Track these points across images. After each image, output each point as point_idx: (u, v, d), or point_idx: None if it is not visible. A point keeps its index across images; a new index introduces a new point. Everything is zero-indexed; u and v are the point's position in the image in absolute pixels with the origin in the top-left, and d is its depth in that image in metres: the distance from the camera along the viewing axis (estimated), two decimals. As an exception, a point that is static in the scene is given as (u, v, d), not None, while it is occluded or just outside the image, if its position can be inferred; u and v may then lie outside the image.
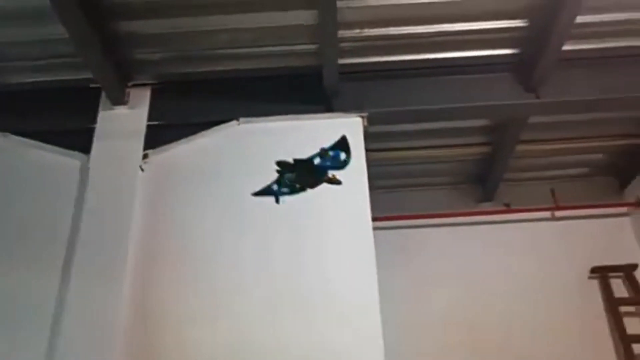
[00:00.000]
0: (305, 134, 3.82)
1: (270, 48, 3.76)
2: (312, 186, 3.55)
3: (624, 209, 5.24)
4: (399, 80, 3.94)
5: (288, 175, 3.55)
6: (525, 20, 3.64)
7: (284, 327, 3.20)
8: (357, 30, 3.64)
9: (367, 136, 4.00)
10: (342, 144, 3.68)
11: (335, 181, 3.57)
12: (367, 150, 4.14)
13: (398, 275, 4.86)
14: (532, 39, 3.72)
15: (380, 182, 5.16)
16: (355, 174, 3.70)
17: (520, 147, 4.79)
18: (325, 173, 3.58)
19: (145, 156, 3.70)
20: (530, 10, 3.57)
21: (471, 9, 3.53)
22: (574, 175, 5.40)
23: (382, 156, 4.82)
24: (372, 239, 3.48)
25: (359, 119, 3.86)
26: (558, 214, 5.23)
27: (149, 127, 3.82)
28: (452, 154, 4.94)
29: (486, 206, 5.31)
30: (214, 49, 3.73)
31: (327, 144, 3.78)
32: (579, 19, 3.53)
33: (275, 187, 3.56)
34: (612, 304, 4.80)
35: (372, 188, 4.43)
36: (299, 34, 3.65)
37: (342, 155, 3.63)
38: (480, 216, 5.20)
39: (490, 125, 4.59)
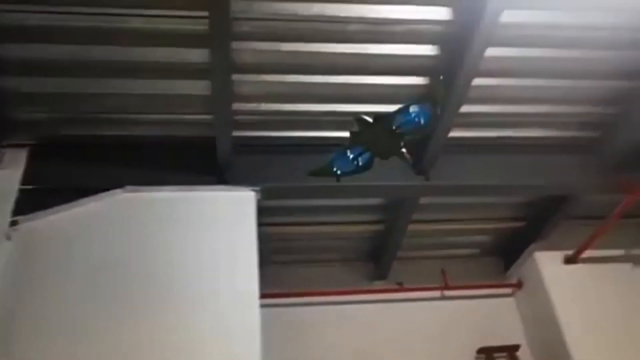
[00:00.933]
0: (196, 207, 3.69)
1: (161, 116, 3.66)
2: (386, 157, 2.57)
3: (508, 290, 5.44)
4: (294, 155, 3.92)
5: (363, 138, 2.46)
6: (415, 105, 3.79)
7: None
8: (254, 104, 3.63)
9: (262, 210, 3.94)
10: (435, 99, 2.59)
11: (405, 158, 2.56)
12: (262, 224, 4.09)
13: (287, 354, 4.67)
14: (422, 124, 3.88)
15: (274, 257, 5.05)
16: (244, 249, 3.59)
17: (413, 227, 4.89)
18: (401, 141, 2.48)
19: (13, 223, 3.36)
20: (420, 99, 3.72)
21: (366, 93, 3.64)
22: (463, 256, 5.56)
23: (277, 231, 4.75)
24: (258, 316, 3.36)
25: (252, 193, 3.78)
26: (447, 293, 5.33)
27: (22, 191, 3.50)
28: (346, 231, 4.95)
29: (380, 284, 5.31)
30: (100, 112, 3.58)
31: (219, 217, 3.67)
32: (464, 109, 3.73)
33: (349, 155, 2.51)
34: (497, 385, 4.87)
35: (266, 263, 4.34)
36: (192, 104, 3.57)
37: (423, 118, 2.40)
38: (373, 294, 5.19)
39: (383, 204, 4.67)
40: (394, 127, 2.30)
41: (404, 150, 2.45)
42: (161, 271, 3.43)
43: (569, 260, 5.00)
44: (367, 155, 2.44)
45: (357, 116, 2.38)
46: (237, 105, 3.56)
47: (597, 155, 4.27)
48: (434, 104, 2.37)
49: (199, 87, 3.42)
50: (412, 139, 2.44)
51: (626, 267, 5.10)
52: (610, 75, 3.78)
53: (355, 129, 2.40)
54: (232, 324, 3.33)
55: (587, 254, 4.94)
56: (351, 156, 2.46)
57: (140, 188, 3.66)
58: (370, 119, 2.35)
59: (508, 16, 3.18)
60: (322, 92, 3.60)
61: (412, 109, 2.29)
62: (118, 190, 3.62)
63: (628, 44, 3.56)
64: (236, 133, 3.72)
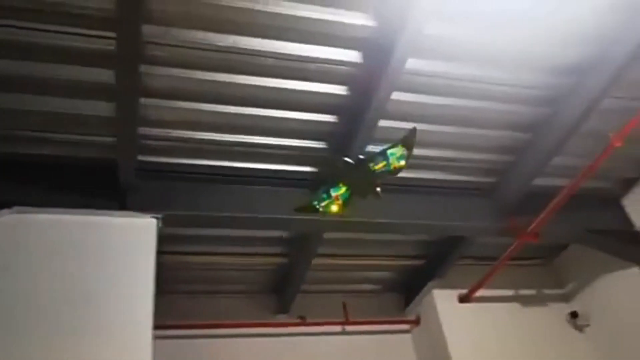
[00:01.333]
0: (93, 232, 3.52)
1: (64, 135, 3.49)
2: (363, 195, 2.84)
3: (406, 326, 5.58)
4: (200, 184, 3.88)
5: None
6: (324, 142, 3.88)
7: None
8: (162, 130, 3.55)
9: (164, 238, 3.84)
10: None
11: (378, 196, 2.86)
12: (162, 252, 3.96)
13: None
14: (329, 165, 3.95)
15: (175, 286, 4.92)
16: (142, 278, 3.46)
17: (317, 261, 4.94)
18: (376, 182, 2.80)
19: None
20: (329, 135, 3.81)
21: (277, 126, 3.67)
22: (364, 291, 5.67)
23: (179, 260, 4.63)
24: (150, 348, 3.23)
25: (153, 220, 3.67)
26: (348, 328, 5.39)
27: None
28: (250, 262, 4.91)
29: (282, 318, 5.28)
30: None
31: (118, 244, 3.53)
32: (370, 148, 3.84)
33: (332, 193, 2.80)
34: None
35: (165, 292, 4.21)
36: (97, 125, 3.44)
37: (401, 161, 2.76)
38: (275, 328, 5.15)
39: (287, 237, 4.69)
40: (372, 169, 2.58)
41: (378, 189, 2.76)
42: (52, 299, 3.23)
43: (462, 299, 5.23)
44: (346, 194, 2.72)
45: (341, 158, 2.67)
46: (143, 130, 3.47)
47: (492, 199, 4.54)
48: (408, 149, 2.65)
49: (105, 109, 3.30)
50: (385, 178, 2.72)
51: (515, 306, 5.39)
52: (507, 127, 4.05)
53: (335, 168, 2.70)
54: (125, 355, 3.19)
55: (479, 293, 5.18)
56: (333, 195, 2.71)
57: (31, 209, 3.45)
58: (352, 161, 2.64)
59: (413, 64, 3.34)
60: (233, 123, 3.58)
61: (389, 152, 2.59)
62: (5, 211, 3.39)
63: (523, 99, 3.83)
64: (141, 157, 3.62)
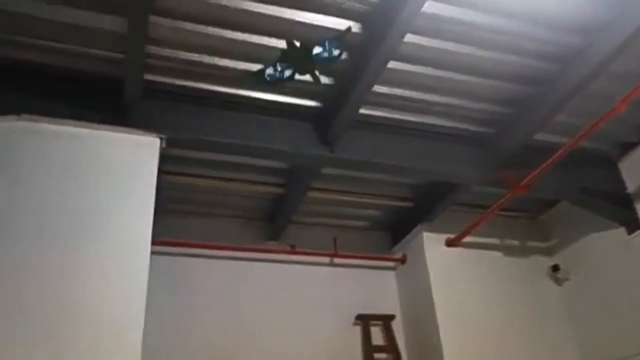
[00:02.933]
0: (98, 146, 3.60)
1: (71, 46, 3.47)
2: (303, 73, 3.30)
3: (392, 264, 5.77)
4: (204, 108, 3.91)
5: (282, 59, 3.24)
6: (331, 78, 3.88)
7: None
8: (170, 50, 3.54)
9: (165, 158, 3.92)
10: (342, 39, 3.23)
11: (316, 78, 3.34)
12: (163, 172, 4.06)
13: (172, 302, 4.72)
14: (334, 97, 3.98)
15: (173, 205, 5.03)
16: (142, 195, 3.57)
17: (311, 194, 5.05)
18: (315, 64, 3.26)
19: None
20: (335, 72, 3.81)
21: (283, 57, 3.65)
22: (355, 227, 5.81)
23: (179, 180, 4.70)
24: (147, 262, 3.38)
25: (157, 139, 3.73)
26: (336, 260, 5.56)
27: None
28: (247, 189, 5.00)
29: (273, 245, 5.44)
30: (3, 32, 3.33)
31: (121, 160, 3.61)
32: (376, 88, 3.87)
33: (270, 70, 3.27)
34: (368, 351, 5.19)
35: (163, 211, 4.32)
36: (105, 39, 3.42)
37: (336, 51, 3.19)
38: (264, 254, 5.31)
39: (285, 168, 4.77)
40: (313, 53, 3.09)
41: (317, 72, 3.27)
42: (51, 210, 3.33)
43: (450, 243, 5.38)
44: (290, 70, 3.19)
45: (289, 40, 3.11)
46: (152, 49, 3.46)
47: (489, 150, 4.59)
48: (342, 40, 3.15)
49: (115, 24, 3.28)
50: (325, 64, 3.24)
51: (500, 255, 5.56)
52: (513, 79, 4.04)
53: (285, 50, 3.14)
54: (122, 267, 3.33)
55: (467, 239, 5.33)
56: (279, 69, 3.21)
57: (37, 118, 3.50)
58: (297, 44, 3.12)
59: (430, 7, 3.31)
60: (243, 50, 3.56)
61: (328, 42, 3.09)
62: (11, 117, 3.43)
63: (533, 53, 3.82)
64: (148, 76, 3.63)
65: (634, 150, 4.80)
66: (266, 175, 4.88)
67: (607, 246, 5.06)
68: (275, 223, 5.41)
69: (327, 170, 4.69)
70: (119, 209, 3.48)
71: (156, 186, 3.66)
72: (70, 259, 3.22)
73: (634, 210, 4.78)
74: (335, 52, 3.09)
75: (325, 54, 3.11)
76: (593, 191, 4.85)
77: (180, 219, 5.15)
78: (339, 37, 3.14)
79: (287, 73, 3.20)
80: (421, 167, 4.46)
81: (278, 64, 3.19)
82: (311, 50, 3.07)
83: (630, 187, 4.83)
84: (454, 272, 5.29)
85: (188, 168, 4.62)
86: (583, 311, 5.27)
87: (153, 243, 3.55)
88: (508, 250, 5.61)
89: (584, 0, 3.42)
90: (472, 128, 4.53)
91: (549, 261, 5.65)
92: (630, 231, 4.83)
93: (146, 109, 3.73)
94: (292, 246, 5.44)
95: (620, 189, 4.88)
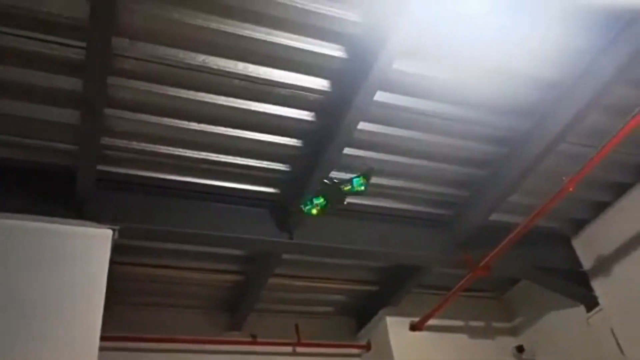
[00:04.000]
0: (48, 239, 3.48)
1: (25, 140, 3.44)
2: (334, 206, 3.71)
3: (357, 351, 5.61)
4: (160, 198, 3.86)
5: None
6: (288, 165, 3.91)
7: None
8: (123, 141, 3.53)
9: (119, 249, 3.81)
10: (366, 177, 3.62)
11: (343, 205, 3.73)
12: (117, 263, 3.94)
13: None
14: (291, 183, 4.00)
15: (128, 298, 4.85)
16: (92, 289, 3.42)
17: (272, 280, 4.94)
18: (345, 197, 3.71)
19: None
20: (293, 158, 3.85)
21: (239, 144, 3.69)
22: (318, 313, 5.68)
23: (133, 271, 4.57)
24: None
25: (109, 231, 3.63)
26: (299, 349, 5.38)
27: None
28: (206, 278, 4.88)
29: (234, 335, 5.24)
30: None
31: (72, 253, 3.48)
32: (333, 174, 3.90)
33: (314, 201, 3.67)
34: None
35: (117, 303, 4.14)
36: (60, 132, 3.40)
37: (361, 187, 3.62)
38: (225, 345, 5.10)
39: (245, 255, 4.69)
40: (341, 189, 3.58)
41: (345, 202, 3.68)
42: (2, 303, 3.17)
43: (414, 327, 5.29)
44: (323, 203, 3.63)
45: (322, 180, 3.66)
46: (106, 140, 3.45)
47: (448, 232, 4.64)
48: (367, 180, 3.59)
49: (70, 116, 3.27)
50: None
51: (465, 337, 5.48)
52: (466, 163, 4.16)
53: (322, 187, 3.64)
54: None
55: (431, 322, 5.26)
56: (315, 202, 3.63)
57: (-13, 212, 3.38)
58: (329, 182, 3.63)
59: (381, 97, 3.42)
60: (196, 139, 3.59)
61: (354, 179, 3.56)
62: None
63: (484, 138, 3.96)
64: (101, 167, 3.59)
65: (587, 227, 4.92)
66: (225, 264, 4.78)
67: (569, 324, 5.07)
68: (236, 312, 5.24)
69: (287, 256, 4.63)
70: (68, 304, 3.32)
71: (110, 278, 3.53)
72: (19, 356, 3.03)
73: (590, 288, 4.83)
74: (361, 188, 3.59)
75: (352, 189, 3.60)
76: (550, 269, 4.91)
77: (138, 310, 4.96)
78: (362, 175, 3.60)
79: (321, 205, 3.65)
80: (382, 251, 4.46)
81: (314, 199, 3.65)
82: (342, 187, 3.59)
83: (586, 265, 4.91)
84: (419, 357, 5.17)
85: (143, 258, 4.51)
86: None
87: (104, 338, 3.37)
88: (473, 332, 5.55)
89: (530, 86, 3.60)
90: (431, 210, 4.59)
91: (514, 341, 5.61)
92: (588, 309, 4.86)
93: (99, 200, 3.66)
94: (254, 336, 5.26)
95: (576, 266, 4.95)
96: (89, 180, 3.52)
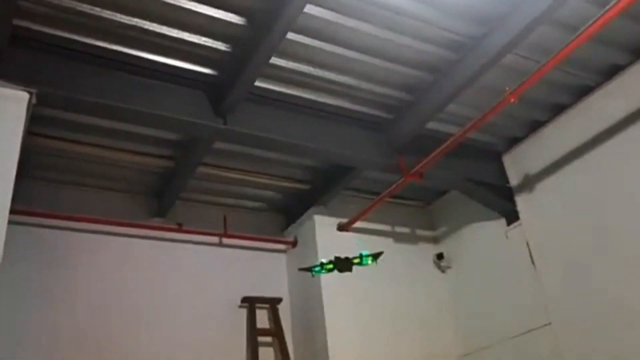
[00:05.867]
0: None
1: None
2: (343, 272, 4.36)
3: (283, 246, 5.66)
4: (83, 65, 3.55)
5: None
6: (229, 45, 3.66)
7: None
8: (47, -6, 3.15)
9: (34, 117, 3.51)
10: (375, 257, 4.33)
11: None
12: (32, 133, 3.66)
13: (36, 275, 4.32)
14: (231, 65, 3.76)
15: (41, 172, 4.59)
16: (4, 157, 3.16)
17: (203, 170, 4.81)
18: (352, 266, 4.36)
19: None
20: (235, 38, 3.60)
21: (178, 15, 3.38)
22: (247, 207, 5.64)
23: (49, 144, 4.27)
24: (3, 231, 2.99)
25: (26, 94, 3.32)
26: (226, 241, 5.36)
27: None
28: (131, 160, 4.65)
29: (158, 222, 5.12)
30: None
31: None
32: (274, 60, 3.71)
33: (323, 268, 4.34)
34: (253, 334, 5.05)
35: (30, 177, 3.90)
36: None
37: (371, 263, 4.33)
38: (150, 230, 4.99)
39: (175, 140, 4.48)
40: (353, 261, 4.29)
41: (353, 268, 4.31)
42: None
43: (341, 228, 5.35)
44: (333, 268, 4.28)
45: (336, 257, 4.31)
46: (25, -10, 3.07)
47: (385, 135, 4.60)
48: (376, 259, 4.32)
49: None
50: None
51: (389, 241, 5.61)
52: (412, 64, 4.03)
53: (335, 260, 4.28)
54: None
55: (358, 224, 5.33)
56: (326, 267, 4.30)
57: None
58: (342, 257, 4.31)
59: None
60: (129, 4, 3.26)
61: (364, 258, 4.28)
62: None
63: (433, 39, 3.81)
64: (17, 22, 3.22)
65: (518, 145, 5.00)
66: (154, 147, 4.56)
67: (488, 236, 5.26)
68: (161, 199, 5.10)
69: (219, 145, 4.47)
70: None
71: (25, 150, 3.29)
72: None
73: (513, 203, 4.99)
74: (370, 263, 4.29)
75: (360, 264, 4.29)
76: (479, 182, 5.02)
77: (52, 188, 4.72)
78: (372, 256, 4.29)
79: (331, 267, 4.28)
80: (317, 148, 4.35)
81: (324, 265, 4.29)
82: (352, 260, 4.27)
83: (512, 181, 5.04)
84: (343, 255, 5.24)
85: (62, 131, 4.20)
86: (463, 298, 5.46)
87: (14, 212, 3.18)
88: (398, 237, 5.69)
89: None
90: (370, 111, 4.49)
91: (435, 249, 5.80)
92: (509, 223, 5.05)
93: (15, 58, 3.32)
94: (179, 224, 5.16)
95: (503, 181, 5.08)
96: (1, 35, 3.16)
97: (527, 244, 4.81)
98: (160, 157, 4.69)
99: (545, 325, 4.55)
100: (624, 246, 4.08)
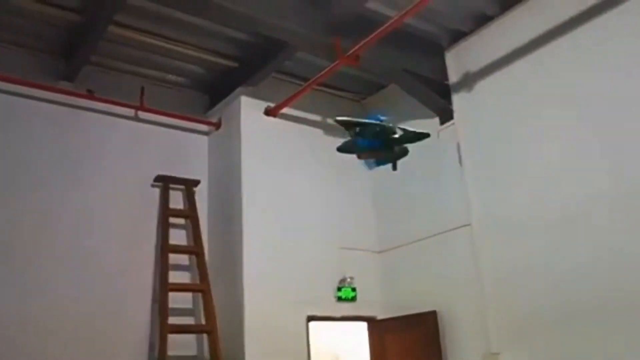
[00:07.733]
0: None
1: None
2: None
3: (205, 127, 5.30)
4: None
5: None
6: None
7: None
8: None
9: None
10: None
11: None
12: None
13: None
14: None
15: None
16: None
17: (116, 30, 4.30)
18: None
19: None
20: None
21: None
22: (169, 82, 5.20)
23: None
24: None
25: None
26: (142, 115, 4.95)
27: None
28: (32, 9, 4.06)
29: (66, 85, 4.62)
30: None
31: None
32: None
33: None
34: (165, 214, 4.79)
35: None
36: None
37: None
38: (56, 93, 4.50)
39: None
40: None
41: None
42: None
43: (268, 112, 5.03)
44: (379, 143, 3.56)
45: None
46: None
47: (323, 11, 4.19)
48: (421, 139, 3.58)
49: None
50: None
51: (317, 132, 5.34)
52: None
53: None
54: None
55: (287, 111, 5.03)
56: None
57: None
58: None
59: None
60: None
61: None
62: None
63: None
64: None
65: (463, 40, 4.70)
66: (58, -3, 3.98)
67: (418, 134, 5.06)
68: (70, 60, 4.57)
69: (135, 1, 3.94)
70: None
71: None
72: None
73: (450, 102, 4.77)
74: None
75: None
76: (417, 76, 4.76)
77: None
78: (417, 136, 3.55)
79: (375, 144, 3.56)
80: (246, 12, 3.91)
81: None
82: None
83: (452, 78, 4.78)
84: (267, 141, 5.00)
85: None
86: (386, 195, 5.35)
87: None
88: (328, 128, 5.41)
89: None
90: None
91: (364, 145, 5.59)
92: (442, 122, 4.87)
93: None
94: (90, 91, 4.68)
95: (443, 78, 4.82)
96: None
97: (458, 145, 4.66)
98: (67, 9, 4.12)
99: (465, 225, 4.50)
100: (552, 153, 3.97)
